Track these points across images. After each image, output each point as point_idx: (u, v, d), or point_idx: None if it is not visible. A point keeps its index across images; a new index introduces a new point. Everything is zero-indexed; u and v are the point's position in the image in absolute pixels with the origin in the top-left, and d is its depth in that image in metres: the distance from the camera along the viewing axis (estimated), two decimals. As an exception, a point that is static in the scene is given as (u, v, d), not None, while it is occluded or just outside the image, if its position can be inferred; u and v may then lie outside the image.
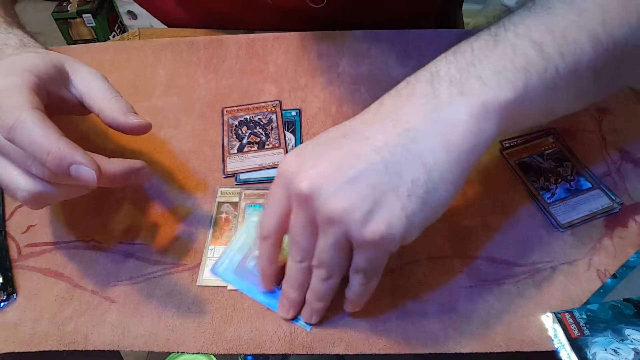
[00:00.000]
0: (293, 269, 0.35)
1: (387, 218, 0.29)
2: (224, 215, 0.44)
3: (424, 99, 0.30)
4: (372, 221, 0.29)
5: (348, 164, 0.30)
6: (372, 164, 0.30)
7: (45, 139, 0.30)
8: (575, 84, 0.32)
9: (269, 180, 0.46)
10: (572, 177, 0.44)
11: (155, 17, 0.70)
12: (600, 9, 0.31)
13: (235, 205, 0.44)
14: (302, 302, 0.36)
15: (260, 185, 0.46)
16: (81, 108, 0.38)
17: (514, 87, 0.29)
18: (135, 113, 0.37)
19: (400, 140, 0.30)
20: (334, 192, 0.30)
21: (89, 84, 0.37)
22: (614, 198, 0.43)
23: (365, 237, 0.30)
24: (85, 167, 0.30)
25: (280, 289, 0.37)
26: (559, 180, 0.44)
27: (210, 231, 0.43)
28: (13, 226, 0.44)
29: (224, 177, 0.46)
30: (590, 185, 0.44)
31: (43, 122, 0.31)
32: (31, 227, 0.43)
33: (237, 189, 0.45)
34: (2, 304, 0.39)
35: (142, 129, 0.36)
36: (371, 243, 0.30)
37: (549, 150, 0.47)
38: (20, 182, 0.32)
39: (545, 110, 0.32)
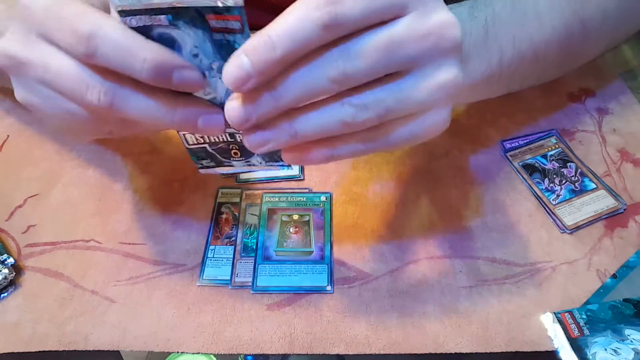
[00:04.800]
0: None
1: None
2: (224, 216, 0.44)
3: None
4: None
5: None
6: None
7: (136, 42, 0.25)
8: (519, 75, 0.40)
9: (269, 180, 0.46)
10: (576, 178, 0.44)
11: None
12: (549, 31, 0.39)
13: (235, 205, 0.44)
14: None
15: (260, 185, 0.46)
16: None
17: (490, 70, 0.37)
18: None
19: None
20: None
21: None
22: (619, 198, 0.43)
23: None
24: (190, 70, 0.25)
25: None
26: (564, 182, 0.44)
27: (211, 231, 0.43)
28: (13, 226, 0.44)
29: (224, 177, 0.47)
30: (595, 186, 0.44)
31: (123, 25, 0.25)
32: (31, 227, 0.43)
33: (238, 190, 0.45)
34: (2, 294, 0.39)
35: None
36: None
37: (552, 152, 0.47)
38: (92, 77, 0.26)
39: (504, 87, 0.41)
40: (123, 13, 0.24)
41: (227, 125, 0.27)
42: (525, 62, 0.39)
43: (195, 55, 0.26)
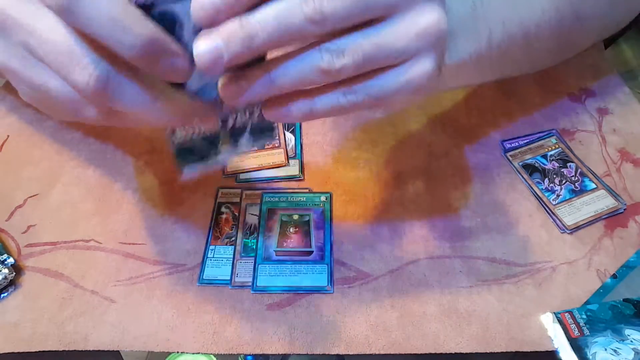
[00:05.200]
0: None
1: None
2: (224, 216, 0.44)
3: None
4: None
5: None
6: None
7: (131, 13, 0.21)
8: (507, 59, 0.38)
9: (269, 180, 0.46)
10: (576, 178, 0.44)
11: None
12: (539, 14, 0.37)
13: (235, 205, 0.44)
14: None
15: (260, 185, 0.46)
16: None
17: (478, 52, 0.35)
18: None
19: None
20: None
21: None
22: (619, 198, 0.43)
23: None
24: (182, 58, 0.23)
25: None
26: (564, 182, 0.44)
27: (211, 231, 0.43)
28: (13, 226, 0.44)
29: (224, 177, 0.47)
30: (595, 186, 0.44)
31: None
32: (31, 227, 0.43)
33: (238, 190, 0.45)
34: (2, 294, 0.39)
35: None
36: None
37: (552, 152, 0.47)
38: (84, 54, 0.23)
39: (496, 70, 0.39)
40: None
41: (221, 109, 0.26)
42: (516, 45, 0.38)
43: (198, 31, 0.24)
